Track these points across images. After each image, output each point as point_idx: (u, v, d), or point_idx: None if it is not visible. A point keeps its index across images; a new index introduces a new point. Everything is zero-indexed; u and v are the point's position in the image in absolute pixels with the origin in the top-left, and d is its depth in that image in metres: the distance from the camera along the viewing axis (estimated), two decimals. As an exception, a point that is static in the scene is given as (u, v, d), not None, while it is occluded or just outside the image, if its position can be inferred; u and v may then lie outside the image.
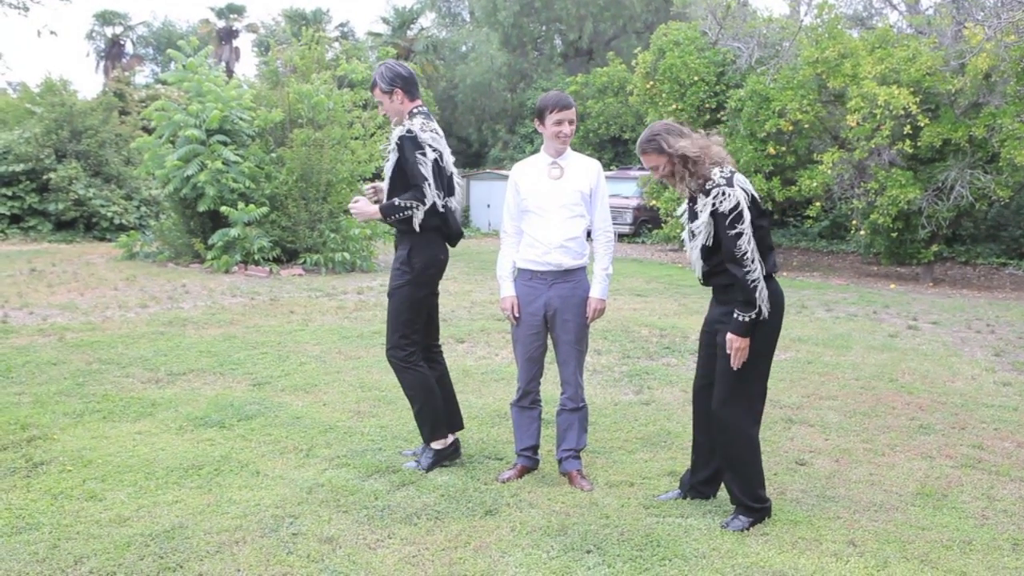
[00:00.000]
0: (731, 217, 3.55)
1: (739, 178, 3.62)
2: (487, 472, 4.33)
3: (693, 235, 3.76)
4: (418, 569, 3.23)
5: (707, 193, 3.61)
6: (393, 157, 4.23)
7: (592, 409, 5.10)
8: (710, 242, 3.66)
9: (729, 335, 3.64)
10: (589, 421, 4.50)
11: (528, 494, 4.02)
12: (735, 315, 3.60)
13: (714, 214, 3.59)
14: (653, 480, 4.27)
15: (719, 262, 3.68)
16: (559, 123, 4.05)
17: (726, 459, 3.78)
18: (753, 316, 3.58)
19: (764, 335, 3.70)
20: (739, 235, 3.55)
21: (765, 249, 3.64)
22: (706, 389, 3.91)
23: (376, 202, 4.40)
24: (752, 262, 3.56)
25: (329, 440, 4.78)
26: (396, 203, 4.17)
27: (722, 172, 3.62)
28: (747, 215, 3.56)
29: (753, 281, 3.56)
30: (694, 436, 4.04)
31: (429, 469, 4.28)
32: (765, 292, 3.61)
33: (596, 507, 3.88)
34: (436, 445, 4.33)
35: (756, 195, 3.67)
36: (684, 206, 3.90)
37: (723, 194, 3.56)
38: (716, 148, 3.70)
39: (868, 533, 3.67)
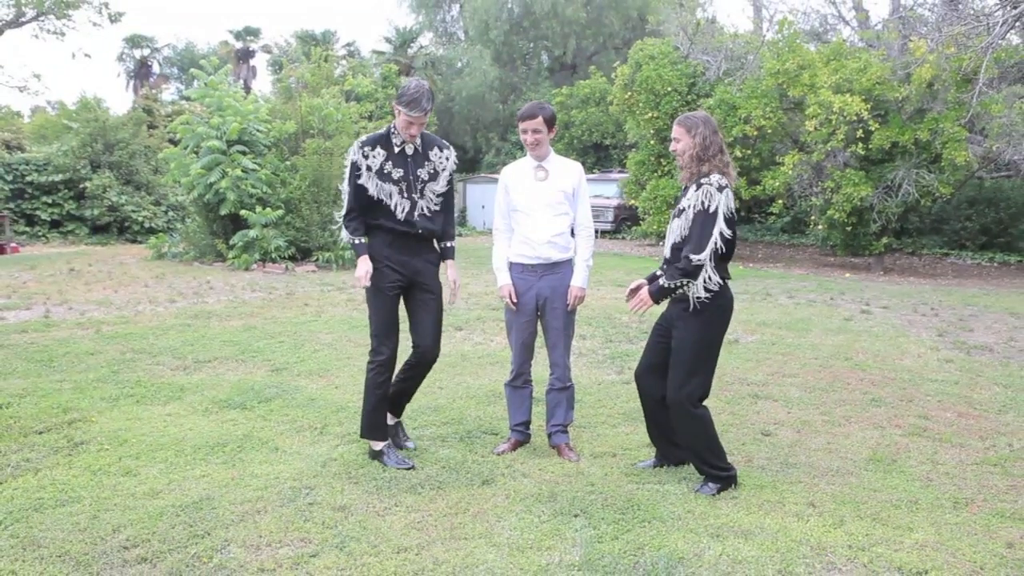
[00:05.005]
0: (708, 216, 3.54)
1: (728, 193, 3.60)
2: (484, 445, 4.34)
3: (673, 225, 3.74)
4: (423, 533, 3.24)
5: (698, 187, 3.60)
6: (450, 172, 4.14)
7: (578, 388, 5.10)
8: (685, 232, 3.63)
9: (645, 291, 3.71)
10: (575, 399, 4.50)
11: (521, 465, 4.02)
12: (661, 279, 3.65)
13: (697, 211, 3.56)
14: (634, 451, 4.28)
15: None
16: (524, 132, 4.09)
17: (683, 438, 3.79)
18: (671, 288, 3.61)
19: (715, 333, 3.69)
20: (709, 234, 3.53)
21: (727, 255, 3.63)
22: (648, 373, 3.91)
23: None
24: (706, 259, 3.54)
25: (341, 419, 4.78)
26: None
27: (720, 180, 3.59)
28: (720, 223, 3.55)
29: (695, 268, 3.55)
30: (644, 412, 4.05)
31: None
32: (698, 289, 3.59)
33: (582, 476, 3.89)
34: None
35: (733, 213, 3.64)
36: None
37: (708, 195, 3.55)
38: (727, 162, 3.68)
39: (826, 495, 3.69)
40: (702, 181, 3.61)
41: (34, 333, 7.27)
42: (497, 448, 4.25)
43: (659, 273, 3.87)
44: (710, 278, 3.58)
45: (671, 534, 3.23)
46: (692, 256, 3.55)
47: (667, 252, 3.81)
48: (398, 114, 3.92)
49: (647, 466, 4.03)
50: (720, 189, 3.57)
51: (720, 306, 3.66)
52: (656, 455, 4.08)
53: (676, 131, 3.75)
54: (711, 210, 3.55)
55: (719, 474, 3.71)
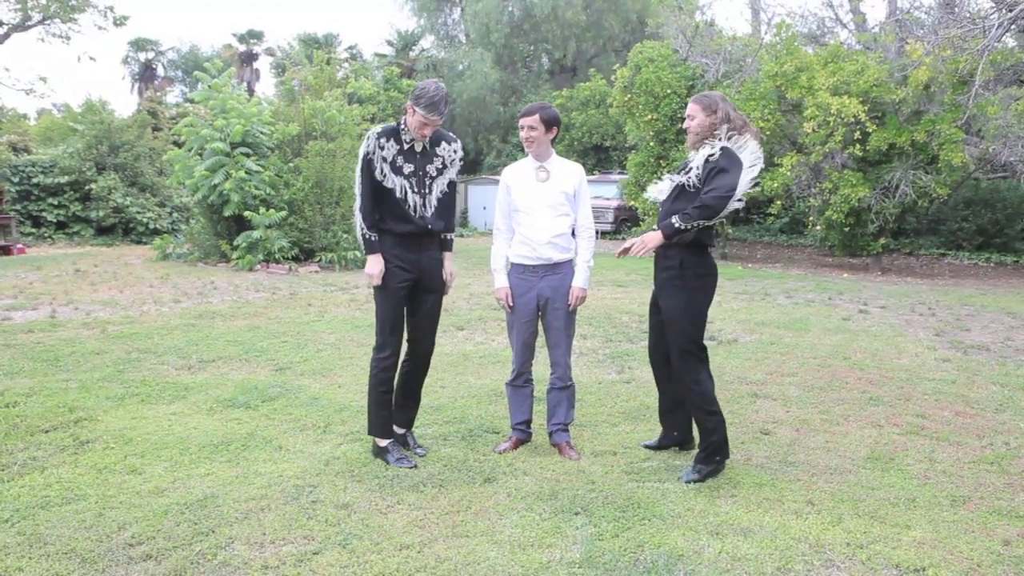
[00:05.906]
0: (735, 159, 3.56)
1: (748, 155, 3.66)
2: (485, 444, 4.33)
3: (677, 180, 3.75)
4: (425, 531, 3.24)
5: (717, 140, 3.63)
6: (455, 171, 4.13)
7: (579, 387, 5.10)
8: (694, 182, 3.63)
9: (649, 233, 3.68)
10: (576, 398, 4.50)
11: (522, 463, 4.02)
12: (673, 219, 3.59)
13: (723, 151, 3.58)
14: (634, 450, 4.27)
15: (688, 204, 3.63)
16: (521, 128, 4.10)
17: (689, 401, 3.88)
18: (684, 229, 3.57)
19: (703, 297, 3.79)
20: (738, 174, 3.55)
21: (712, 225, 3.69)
22: (657, 346, 4.06)
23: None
24: (744, 188, 3.55)
25: (344, 418, 4.78)
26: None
27: (738, 142, 3.64)
28: (746, 169, 3.57)
29: (715, 209, 3.52)
30: (658, 388, 4.17)
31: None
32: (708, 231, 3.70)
33: (583, 474, 3.89)
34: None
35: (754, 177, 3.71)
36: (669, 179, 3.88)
37: (739, 145, 3.60)
38: (755, 131, 3.71)
39: (824, 493, 3.68)
40: (720, 138, 3.64)
41: (40, 333, 7.27)
42: (498, 447, 4.25)
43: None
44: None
45: (671, 532, 3.23)
46: (715, 195, 3.52)
47: (661, 198, 3.86)
48: (412, 114, 3.86)
49: (650, 444, 4.21)
50: (739, 151, 3.61)
51: (702, 275, 3.75)
52: (661, 434, 4.22)
53: (691, 108, 3.78)
54: (736, 155, 3.57)
55: (713, 440, 3.76)
